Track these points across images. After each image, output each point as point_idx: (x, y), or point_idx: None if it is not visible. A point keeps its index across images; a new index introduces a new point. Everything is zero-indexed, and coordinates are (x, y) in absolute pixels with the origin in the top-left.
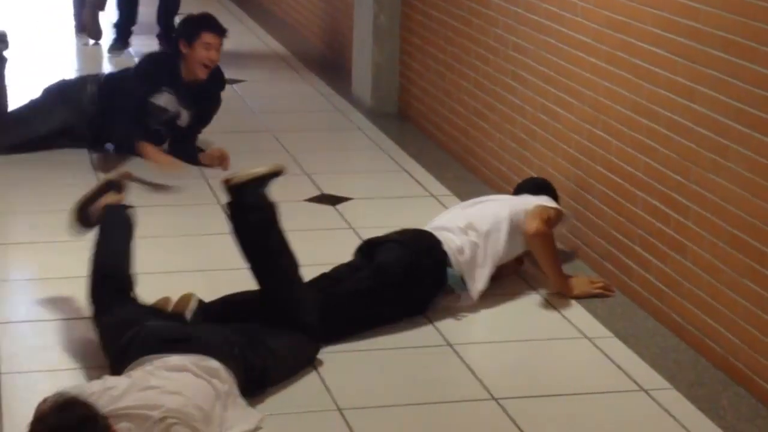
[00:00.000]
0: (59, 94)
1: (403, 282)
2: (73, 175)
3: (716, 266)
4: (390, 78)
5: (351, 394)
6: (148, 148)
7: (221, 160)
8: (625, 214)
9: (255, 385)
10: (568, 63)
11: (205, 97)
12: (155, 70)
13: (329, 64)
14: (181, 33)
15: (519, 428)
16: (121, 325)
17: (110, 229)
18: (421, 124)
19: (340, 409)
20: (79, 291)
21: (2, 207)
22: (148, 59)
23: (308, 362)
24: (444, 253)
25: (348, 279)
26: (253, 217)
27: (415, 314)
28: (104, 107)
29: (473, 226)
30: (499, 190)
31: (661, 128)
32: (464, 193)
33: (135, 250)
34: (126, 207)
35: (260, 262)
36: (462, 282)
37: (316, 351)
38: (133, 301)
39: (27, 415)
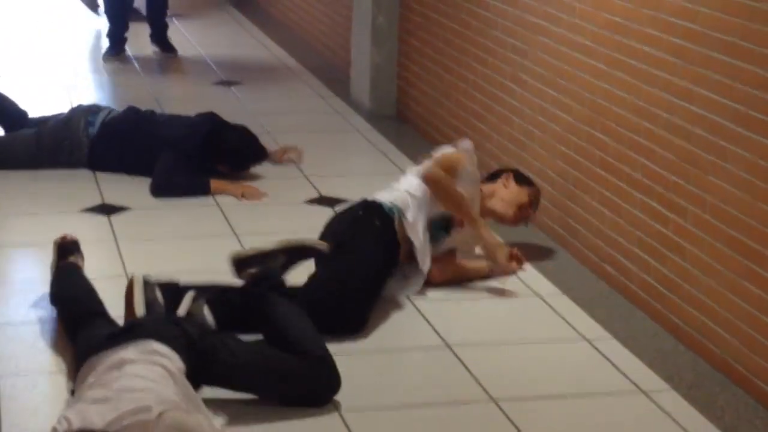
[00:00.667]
0: (48, 135)
1: (357, 235)
2: (73, 178)
3: (715, 268)
4: (388, 80)
5: (350, 395)
6: (218, 185)
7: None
8: (624, 215)
9: (200, 372)
10: (566, 65)
11: None
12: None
13: (327, 66)
14: (228, 159)
15: (518, 429)
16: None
17: (65, 279)
18: (419, 126)
19: (339, 411)
20: None
21: (2, 208)
22: (175, 168)
23: (311, 395)
24: (373, 200)
25: (318, 276)
26: (264, 286)
27: (394, 258)
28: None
29: (390, 186)
30: None
31: (660, 130)
32: None
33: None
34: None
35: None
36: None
37: (323, 386)
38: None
39: (25, 417)
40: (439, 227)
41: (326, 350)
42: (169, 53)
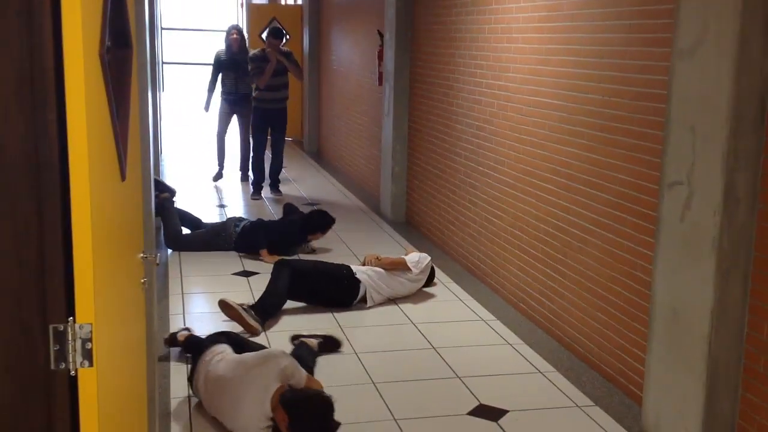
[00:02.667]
0: (213, 233)
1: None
2: (227, 256)
3: (582, 306)
4: (401, 203)
5: (379, 370)
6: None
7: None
8: (530, 275)
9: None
10: (499, 193)
11: None
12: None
13: (367, 195)
14: (314, 227)
15: (473, 394)
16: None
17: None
18: (419, 229)
19: (374, 383)
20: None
21: (190, 273)
22: (286, 239)
23: None
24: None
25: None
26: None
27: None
28: (250, 240)
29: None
30: (461, 264)
31: (550, 229)
32: (438, 260)
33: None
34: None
35: None
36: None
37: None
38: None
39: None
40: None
41: None
42: (278, 195)
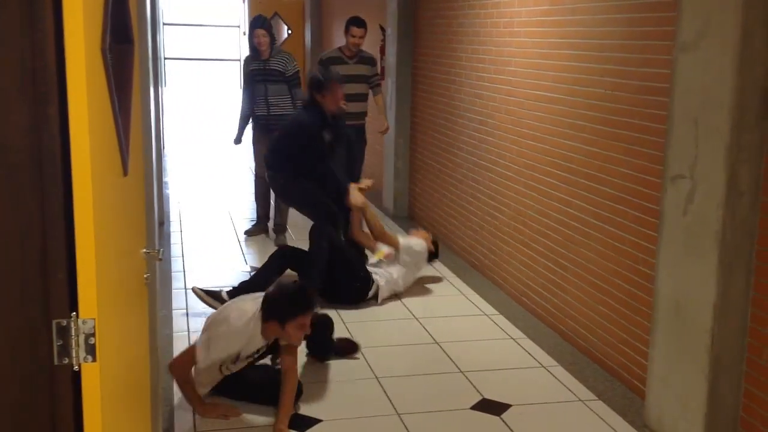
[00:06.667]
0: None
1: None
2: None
3: (583, 299)
4: (403, 197)
5: (385, 366)
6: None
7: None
8: (533, 270)
9: None
10: (504, 189)
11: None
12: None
13: (372, 190)
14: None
15: (475, 387)
16: None
17: None
18: (422, 223)
19: (377, 377)
20: None
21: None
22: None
23: None
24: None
25: None
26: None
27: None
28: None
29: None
30: (463, 259)
31: (553, 223)
32: (441, 255)
33: None
34: None
35: None
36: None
37: None
38: None
39: None
40: None
41: None
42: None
